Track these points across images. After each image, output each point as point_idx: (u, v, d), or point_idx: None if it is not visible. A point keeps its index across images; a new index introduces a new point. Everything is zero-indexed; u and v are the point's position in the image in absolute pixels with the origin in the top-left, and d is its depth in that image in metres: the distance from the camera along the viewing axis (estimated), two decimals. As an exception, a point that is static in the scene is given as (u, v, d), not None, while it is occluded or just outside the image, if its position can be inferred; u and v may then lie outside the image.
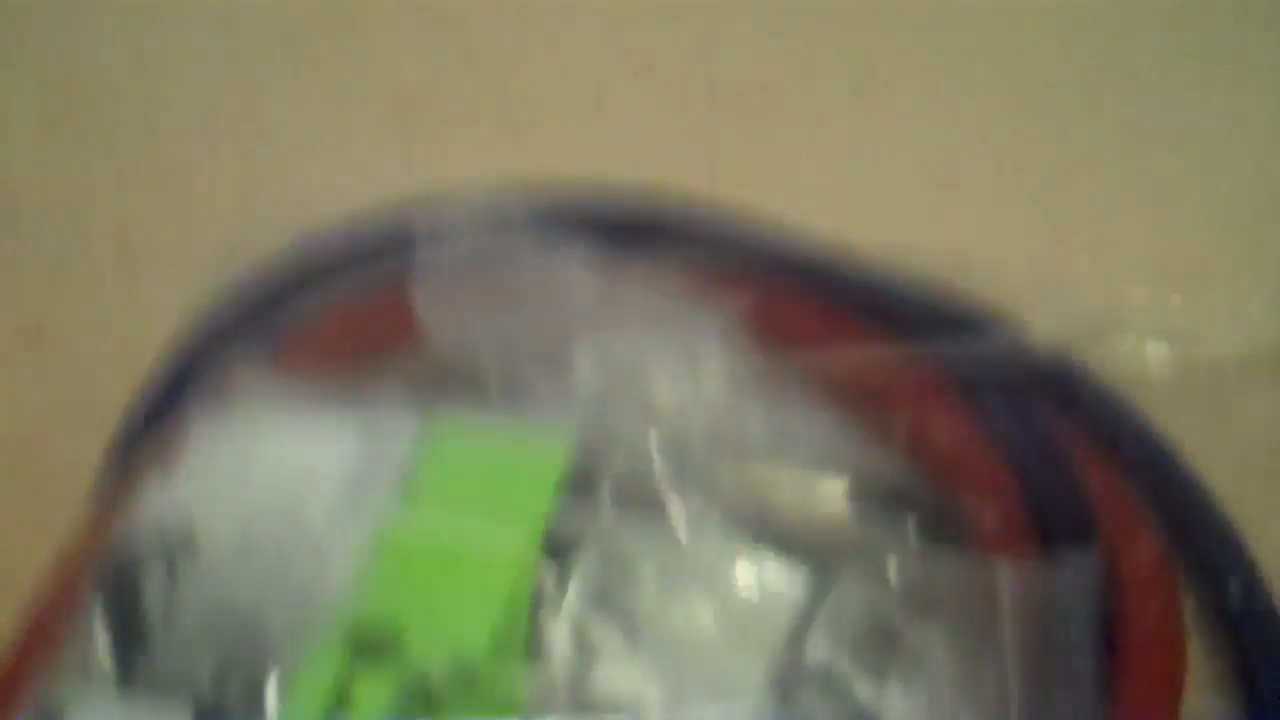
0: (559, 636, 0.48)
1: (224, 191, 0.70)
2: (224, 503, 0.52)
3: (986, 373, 0.57)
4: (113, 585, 0.50)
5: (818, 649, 0.48)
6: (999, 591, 0.49)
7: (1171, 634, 0.51)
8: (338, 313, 0.60)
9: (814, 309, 0.60)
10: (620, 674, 0.47)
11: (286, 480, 0.52)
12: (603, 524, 0.50)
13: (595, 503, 0.52)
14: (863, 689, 0.46)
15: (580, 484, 0.51)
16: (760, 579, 0.49)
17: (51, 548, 0.54)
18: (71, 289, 0.70)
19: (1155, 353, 0.59)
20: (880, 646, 0.48)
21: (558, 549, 0.49)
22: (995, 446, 0.55)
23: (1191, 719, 0.50)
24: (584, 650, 0.47)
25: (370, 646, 0.46)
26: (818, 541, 0.51)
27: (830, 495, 0.54)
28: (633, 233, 0.63)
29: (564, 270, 0.60)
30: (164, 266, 0.70)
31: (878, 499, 0.54)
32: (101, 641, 0.49)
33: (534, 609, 0.48)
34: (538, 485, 0.50)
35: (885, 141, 0.71)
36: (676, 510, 0.51)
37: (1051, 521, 0.53)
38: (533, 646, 0.48)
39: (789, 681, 0.47)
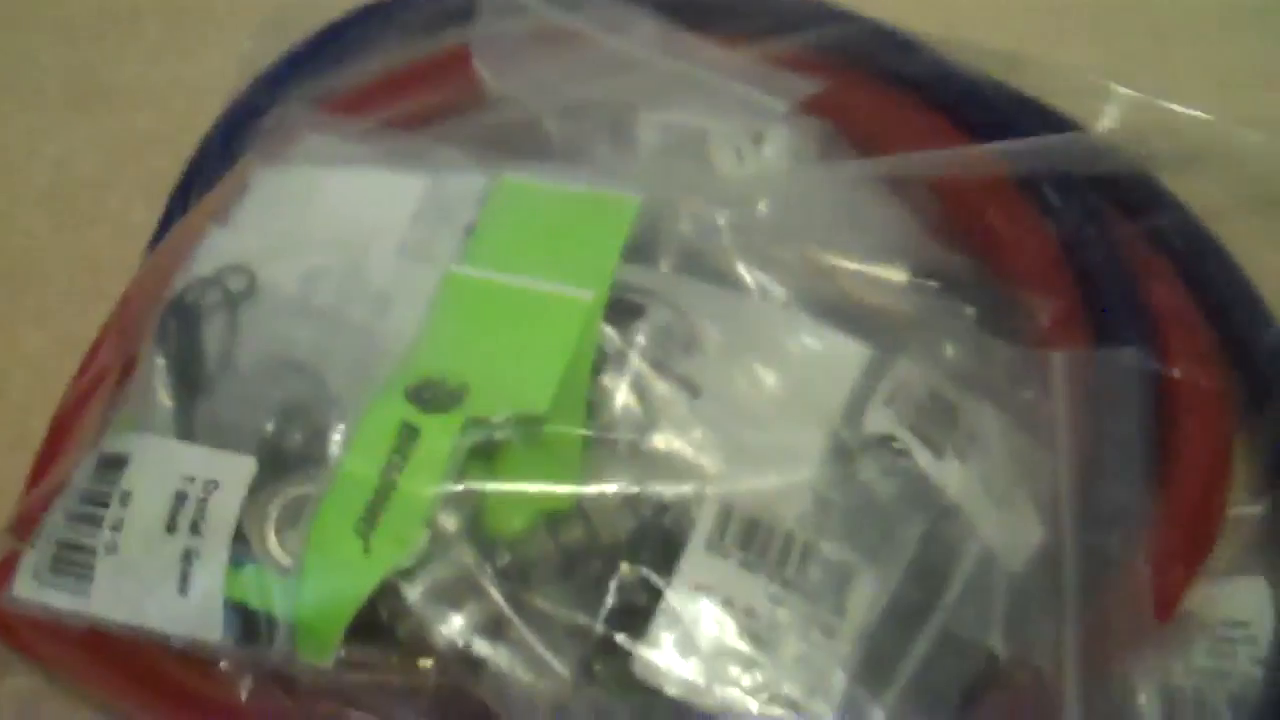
0: (620, 398, 0.47)
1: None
2: (285, 251, 0.51)
3: (1054, 171, 0.56)
4: (174, 331, 0.50)
5: (877, 422, 0.47)
6: (1052, 379, 0.49)
7: (1220, 432, 0.52)
8: (400, 70, 0.59)
9: (885, 98, 0.59)
10: (680, 438, 0.47)
11: (349, 231, 0.52)
12: (668, 290, 0.49)
13: (659, 270, 0.51)
14: (922, 459, 0.46)
15: (644, 251, 0.51)
16: (821, 351, 0.49)
17: (104, 308, 0.54)
18: (121, 50, 0.68)
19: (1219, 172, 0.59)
20: (938, 423, 0.48)
21: (621, 312, 0.49)
22: (1056, 240, 0.55)
23: (1235, 518, 0.50)
24: (644, 413, 0.47)
25: (434, 397, 0.46)
26: (878, 323, 0.51)
27: (892, 282, 0.53)
28: (701, 9, 0.62)
29: (630, 41, 0.58)
30: (215, 27, 0.68)
31: (938, 288, 0.53)
32: (162, 387, 0.49)
33: (596, 369, 0.47)
34: (603, 246, 0.49)
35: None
36: (742, 282, 0.50)
37: (1108, 316, 0.53)
38: (594, 408, 0.47)
39: (847, 451, 0.47)
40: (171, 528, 0.45)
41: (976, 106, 0.59)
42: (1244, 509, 0.50)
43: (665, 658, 0.43)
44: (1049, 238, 0.55)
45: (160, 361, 0.49)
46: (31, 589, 0.45)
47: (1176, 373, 0.51)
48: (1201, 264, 0.56)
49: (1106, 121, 0.60)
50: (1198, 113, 0.58)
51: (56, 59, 0.67)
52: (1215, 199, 0.58)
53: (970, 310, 0.52)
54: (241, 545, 0.45)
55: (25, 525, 0.46)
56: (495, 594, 0.44)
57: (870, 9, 0.62)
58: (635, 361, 0.48)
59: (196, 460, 0.46)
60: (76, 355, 0.53)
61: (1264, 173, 0.58)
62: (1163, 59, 0.67)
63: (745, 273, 0.51)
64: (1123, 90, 0.60)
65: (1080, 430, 0.48)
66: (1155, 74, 0.64)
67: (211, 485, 0.45)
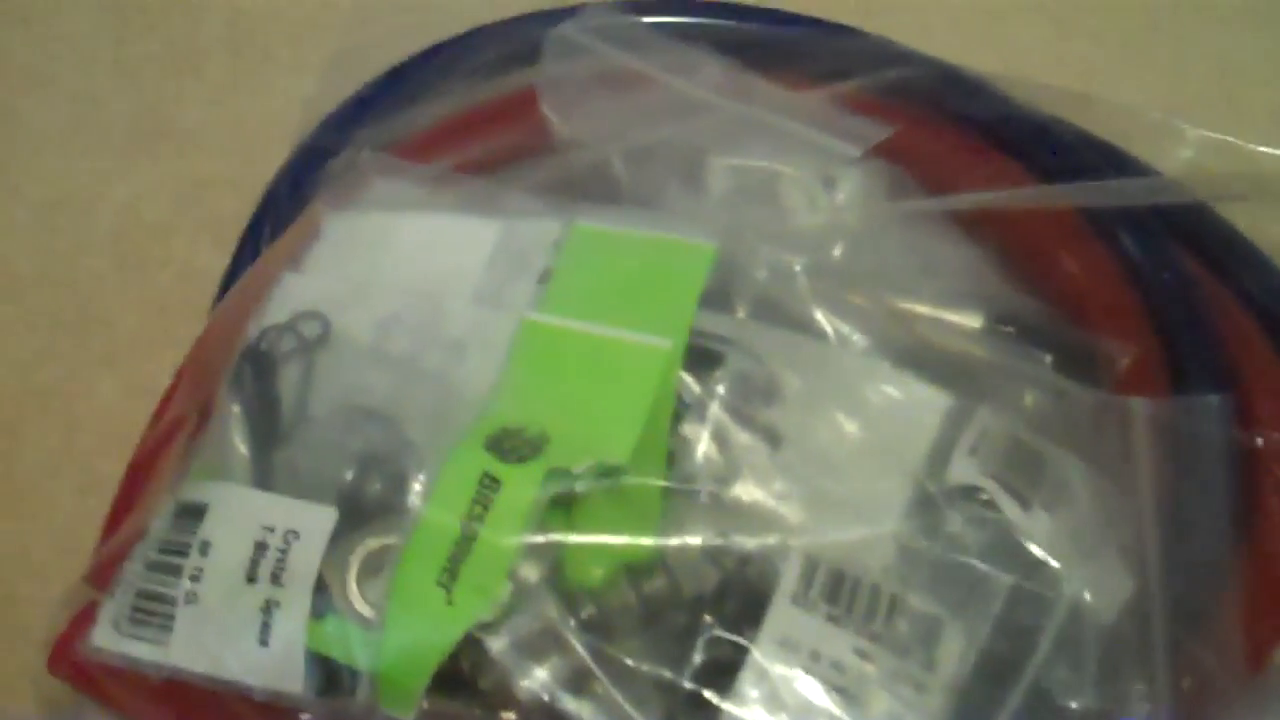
0: (701, 448, 0.47)
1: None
2: (359, 297, 0.51)
3: (1128, 213, 0.55)
4: (249, 378, 0.50)
5: (961, 473, 0.47)
6: (1134, 427, 0.48)
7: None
8: (467, 113, 0.59)
9: (955, 142, 0.59)
10: (762, 489, 0.46)
11: (423, 278, 0.51)
12: (746, 338, 0.49)
13: (736, 317, 0.50)
14: (1008, 510, 0.46)
15: (720, 298, 0.50)
16: (902, 400, 0.48)
17: (171, 352, 0.54)
18: (185, 93, 0.68)
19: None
20: (1024, 473, 0.47)
21: (700, 360, 0.48)
22: (1133, 286, 0.54)
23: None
24: (725, 463, 0.47)
25: (514, 447, 0.46)
26: (955, 370, 0.50)
27: (968, 328, 0.52)
28: (765, 51, 0.61)
29: (696, 83, 0.58)
30: (277, 69, 0.68)
31: (1014, 335, 0.53)
32: (239, 435, 0.49)
33: (676, 419, 0.47)
34: (680, 293, 0.49)
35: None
36: (820, 329, 0.50)
37: (1187, 363, 0.52)
38: (674, 458, 0.47)
39: (932, 502, 0.46)
40: (252, 578, 0.44)
41: (1047, 149, 0.58)
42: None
43: (752, 714, 0.43)
44: (1125, 282, 0.54)
45: (236, 409, 0.49)
46: (111, 639, 0.45)
47: (1261, 430, 0.50)
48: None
49: (1179, 164, 0.59)
50: (1273, 150, 0.57)
51: (121, 102, 0.67)
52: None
53: (1047, 357, 0.51)
54: (323, 596, 0.44)
55: (103, 574, 0.46)
56: (578, 646, 0.43)
57: (933, 47, 0.61)
58: (715, 411, 0.47)
59: (277, 510, 0.46)
60: (144, 400, 0.52)
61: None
62: (1228, 97, 0.66)
63: (822, 319, 0.50)
64: (1194, 131, 0.59)
65: (1165, 479, 0.47)
66: (1222, 112, 0.64)
67: (292, 535, 0.45)
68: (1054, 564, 0.45)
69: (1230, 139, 0.58)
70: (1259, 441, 0.49)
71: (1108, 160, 0.59)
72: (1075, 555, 0.46)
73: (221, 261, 0.58)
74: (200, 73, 0.68)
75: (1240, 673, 0.45)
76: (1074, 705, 0.43)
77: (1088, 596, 0.45)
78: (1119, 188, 0.56)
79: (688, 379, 0.48)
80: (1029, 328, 0.53)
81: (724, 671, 0.43)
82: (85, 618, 0.45)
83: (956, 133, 0.59)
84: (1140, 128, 0.60)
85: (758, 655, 0.43)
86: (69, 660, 0.46)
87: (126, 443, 0.51)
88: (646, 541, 0.45)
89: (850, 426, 0.48)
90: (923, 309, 0.52)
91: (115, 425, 0.54)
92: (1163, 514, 0.47)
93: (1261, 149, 0.58)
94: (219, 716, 0.45)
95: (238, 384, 0.49)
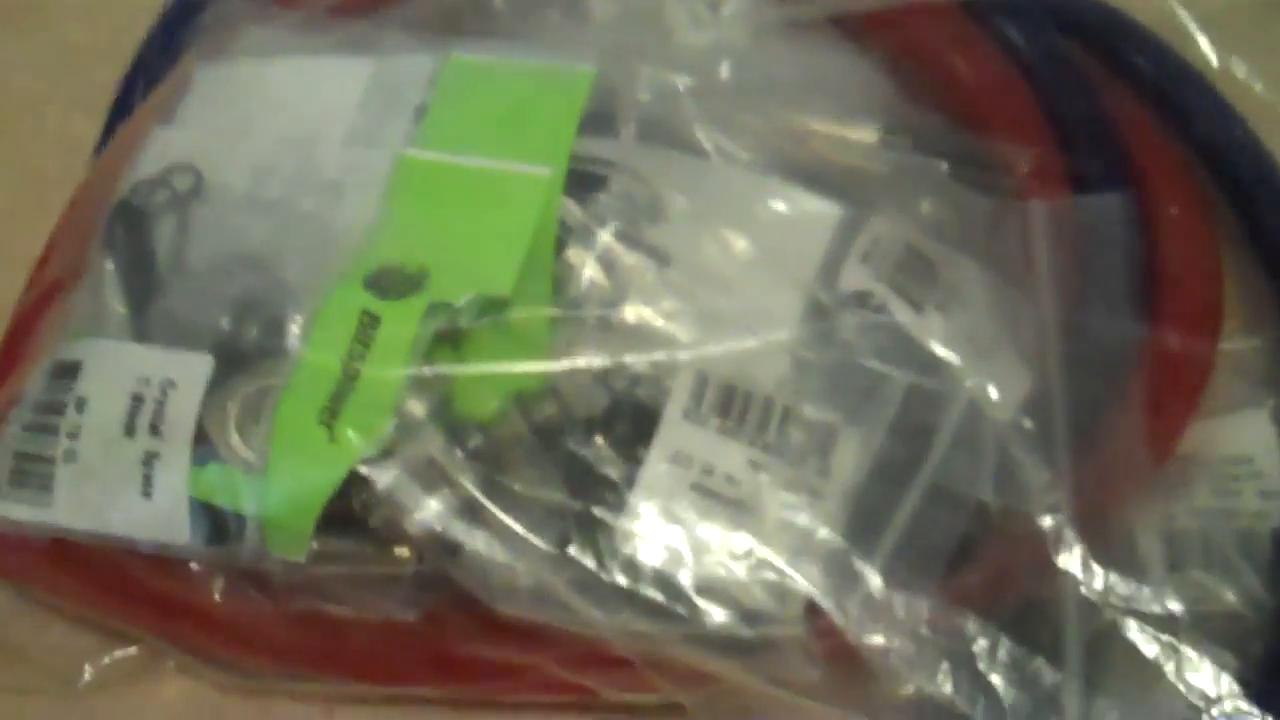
0: (587, 272, 0.46)
1: None
2: (232, 145, 0.50)
3: (1011, 6, 0.54)
4: (121, 235, 0.48)
5: (853, 280, 0.46)
6: (1033, 229, 0.47)
7: (1208, 267, 0.50)
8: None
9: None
10: (651, 309, 0.45)
11: (296, 122, 0.50)
12: (629, 160, 0.48)
13: (619, 141, 0.49)
14: (901, 314, 0.45)
15: (602, 121, 0.49)
16: (792, 213, 0.47)
17: (50, 224, 0.52)
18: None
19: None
20: (917, 278, 0.46)
21: (582, 184, 0.47)
22: (1027, 87, 0.53)
23: (1233, 353, 0.49)
24: (613, 285, 0.46)
25: (393, 284, 0.44)
26: (849, 183, 0.49)
27: (862, 141, 0.51)
28: None
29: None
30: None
31: (909, 145, 0.51)
32: (114, 290, 0.48)
33: (560, 245, 0.46)
34: (559, 120, 0.48)
35: None
36: (705, 147, 0.49)
37: (1085, 161, 0.51)
38: (560, 284, 0.46)
39: (824, 311, 0.45)
40: (131, 431, 0.43)
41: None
42: (1241, 343, 0.48)
43: (646, 529, 0.42)
44: (1020, 85, 0.53)
45: (109, 266, 0.48)
46: (-9, 504, 0.44)
47: (1160, 213, 0.49)
48: (1177, 91, 0.54)
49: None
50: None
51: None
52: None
53: (944, 165, 0.50)
54: (204, 444, 0.43)
55: (-19, 442, 0.45)
56: (467, 477, 0.42)
57: None
58: (600, 234, 0.46)
59: (151, 361, 0.45)
60: (19, 271, 0.51)
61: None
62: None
63: (709, 139, 0.49)
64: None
65: (1064, 278, 0.47)
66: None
67: (168, 385, 0.44)
68: (950, 362, 0.44)
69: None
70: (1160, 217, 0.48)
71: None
72: (971, 354, 0.45)
73: (95, 130, 0.57)
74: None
75: (1146, 463, 0.45)
76: (973, 501, 0.42)
77: (985, 394, 0.44)
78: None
79: (570, 204, 0.46)
80: (924, 137, 0.52)
81: (618, 491, 0.43)
82: (-36, 486, 0.44)
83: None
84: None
85: (650, 471, 0.42)
86: (-50, 529, 0.45)
87: (3, 314, 0.50)
88: (535, 368, 0.44)
89: (739, 242, 0.47)
90: (815, 124, 0.51)
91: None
92: (1064, 311, 0.46)
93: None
94: (107, 573, 0.44)
95: (110, 241, 0.48)
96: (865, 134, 0.52)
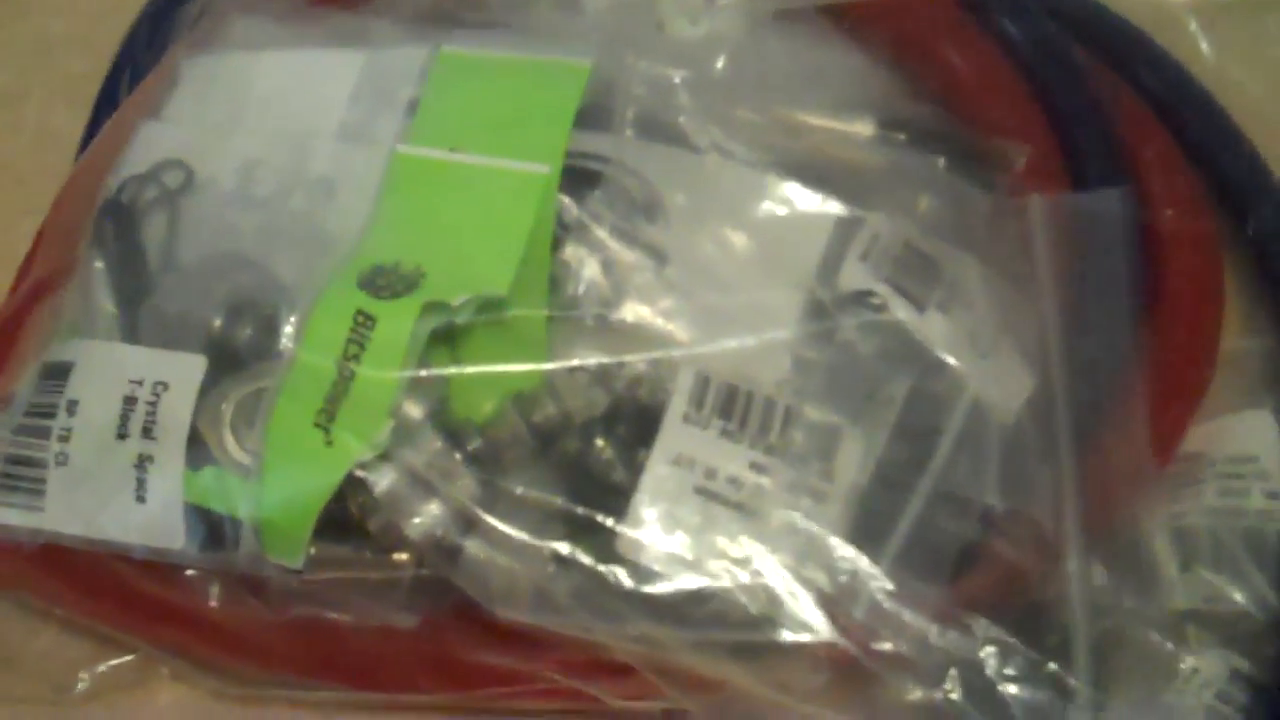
0: (584, 271, 0.45)
1: None
2: (221, 141, 0.49)
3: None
4: (111, 232, 0.48)
5: (853, 278, 0.45)
6: (1032, 225, 0.47)
7: (1209, 268, 0.50)
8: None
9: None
10: (649, 308, 0.45)
11: (286, 116, 0.49)
12: (626, 156, 0.47)
13: (616, 136, 0.48)
14: (902, 313, 0.44)
15: (597, 117, 0.48)
16: (790, 210, 0.47)
17: (31, 220, 0.51)
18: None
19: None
20: (917, 276, 0.46)
21: (578, 181, 0.46)
22: (1025, 81, 0.53)
23: (1235, 353, 0.49)
24: (611, 284, 0.45)
25: (388, 284, 0.44)
26: (847, 179, 0.49)
27: (859, 136, 0.51)
28: None
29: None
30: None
31: (907, 140, 0.51)
32: (102, 291, 0.47)
33: (557, 244, 0.45)
34: (554, 116, 0.47)
35: None
36: (702, 144, 0.48)
37: (1084, 157, 0.51)
38: (557, 283, 0.45)
39: (825, 309, 0.45)
40: (123, 434, 0.43)
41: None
42: (1241, 343, 0.48)
43: (649, 533, 0.41)
44: (1017, 79, 0.53)
45: (98, 264, 0.47)
46: (-20, 508, 0.43)
47: (1161, 215, 0.49)
48: (1175, 96, 0.54)
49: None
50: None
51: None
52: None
53: (941, 161, 0.50)
54: (199, 447, 0.43)
55: (-31, 444, 0.44)
56: (468, 480, 0.42)
57: None
58: (597, 232, 0.46)
59: (143, 362, 0.44)
60: (4, 272, 0.50)
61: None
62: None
63: (705, 134, 0.48)
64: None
65: (1064, 276, 0.46)
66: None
67: (161, 387, 0.43)
68: (952, 364, 0.44)
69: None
70: (1159, 217, 0.48)
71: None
72: (973, 355, 0.45)
73: (78, 124, 0.56)
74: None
75: (1149, 462, 0.44)
76: (979, 503, 0.42)
77: (988, 395, 0.44)
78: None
79: (566, 201, 0.46)
80: (921, 132, 0.51)
81: (619, 495, 0.42)
82: (-48, 489, 0.43)
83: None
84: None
85: (651, 474, 0.42)
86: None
87: (-11, 314, 0.49)
88: (532, 369, 0.44)
89: (737, 239, 0.46)
90: (811, 119, 0.51)
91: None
92: (1064, 309, 0.46)
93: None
94: (100, 579, 0.44)
95: (99, 238, 0.48)
96: (861, 128, 0.51)
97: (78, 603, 0.45)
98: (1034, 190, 0.49)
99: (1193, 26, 0.56)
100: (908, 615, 0.40)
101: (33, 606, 0.46)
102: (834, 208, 0.47)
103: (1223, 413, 0.46)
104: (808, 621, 0.40)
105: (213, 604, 0.44)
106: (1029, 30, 0.52)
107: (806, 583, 0.41)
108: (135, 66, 0.55)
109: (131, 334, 0.46)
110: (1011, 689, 0.40)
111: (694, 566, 0.41)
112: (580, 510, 0.42)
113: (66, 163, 0.55)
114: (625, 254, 0.46)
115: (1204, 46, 0.56)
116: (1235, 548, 0.44)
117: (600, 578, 0.41)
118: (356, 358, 0.42)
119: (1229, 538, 0.44)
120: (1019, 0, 0.53)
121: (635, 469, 0.43)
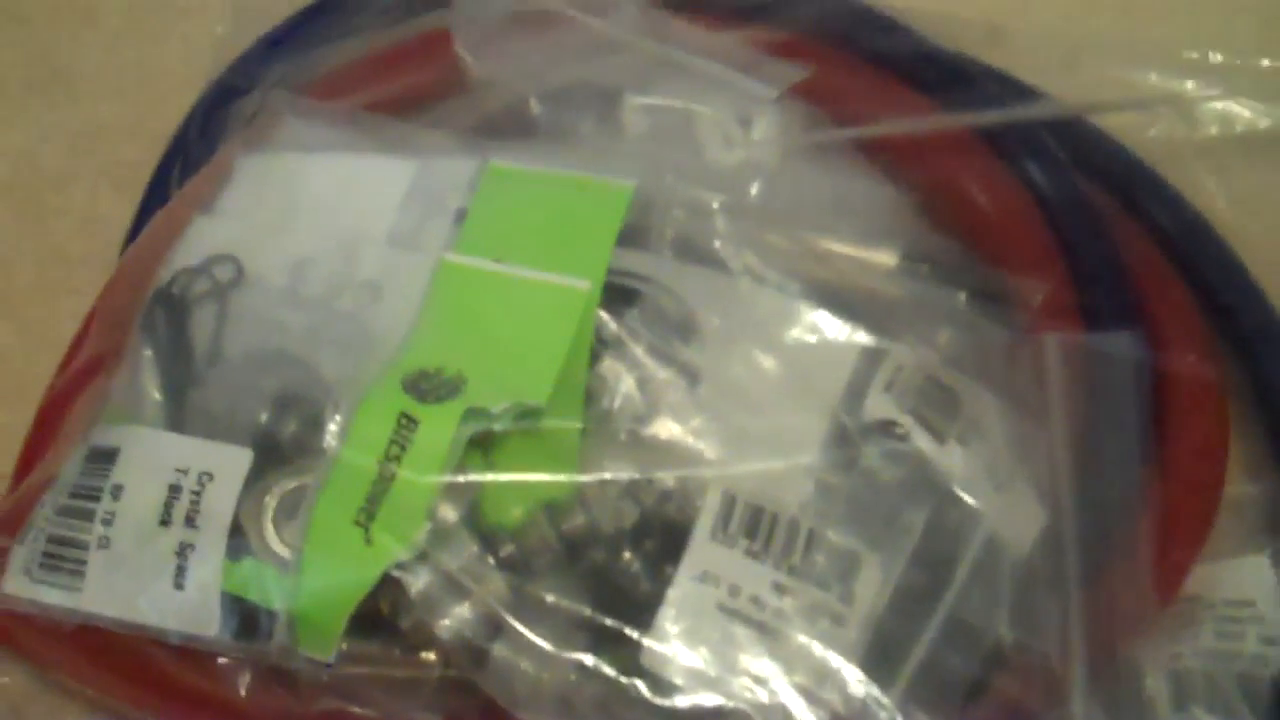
0: (619, 386, 0.47)
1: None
2: (273, 239, 0.50)
3: (1036, 148, 0.56)
4: (161, 321, 0.49)
5: (877, 408, 0.47)
6: (1047, 363, 0.49)
7: (1216, 415, 0.51)
8: (381, 53, 0.58)
9: (869, 81, 0.59)
10: (680, 425, 0.46)
11: (337, 219, 0.51)
12: (664, 276, 0.49)
13: (654, 255, 0.50)
14: (924, 444, 0.46)
15: (637, 236, 0.50)
16: (819, 337, 0.48)
17: (73, 302, 0.53)
18: (79, 38, 0.66)
19: (1190, 124, 0.58)
20: (938, 408, 0.47)
21: (617, 299, 0.48)
22: (1045, 223, 0.55)
23: (1235, 499, 0.50)
24: (644, 400, 0.47)
25: (431, 388, 0.45)
26: (871, 308, 0.50)
27: (883, 266, 0.53)
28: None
29: (612, 24, 0.58)
30: (176, 15, 0.67)
31: (929, 272, 0.53)
32: (151, 379, 0.48)
33: (594, 358, 0.47)
34: (597, 233, 0.49)
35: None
36: (737, 267, 0.50)
37: (1097, 299, 0.53)
38: (592, 396, 0.47)
39: (849, 437, 0.46)
40: (166, 521, 0.44)
41: (959, 85, 0.58)
42: (1243, 489, 0.50)
43: (672, 648, 0.43)
44: (1038, 221, 0.54)
45: (148, 353, 0.48)
46: (22, 585, 0.44)
47: (1171, 360, 0.50)
48: (1188, 242, 0.56)
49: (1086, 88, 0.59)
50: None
51: (12, 49, 0.65)
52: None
53: (961, 294, 0.52)
54: (239, 538, 0.44)
55: (13, 521, 0.46)
56: (498, 585, 0.43)
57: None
58: (633, 349, 0.47)
59: (190, 451, 0.45)
60: (41, 349, 0.52)
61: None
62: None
63: (740, 257, 0.50)
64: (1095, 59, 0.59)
65: (1076, 414, 0.48)
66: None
67: (206, 477, 0.44)
68: (969, 497, 0.45)
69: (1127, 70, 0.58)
70: (1170, 363, 0.49)
71: (1018, 95, 0.59)
72: (990, 488, 0.46)
73: (122, 209, 0.57)
74: (94, 19, 0.66)
75: (1151, 602, 0.46)
76: (991, 634, 0.44)
77: (1002, 529, 0.45)
78: (1022, 110, 0.56)
79: (605, 317, 0.47)
80: (943, 266, 0.53)
81: (644, 607, 0.43)
82: (-4, 565, 0.44)
83: (871, 72, 0.59)
84: (1050, 62, 0.60)
85: (677, 589, 0.43)
86: (-21, 609, 0.45)
87: (22, 394, 0.51)
88: (564, 479, 0.45)
89: (767, 363, 0.48)
90: (838, 247, 0.53)
91: (12, 375, 0.53)
92: (1075, 448, 0.48)
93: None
94: (134, 662, 0.45)
95: (149, 327, 0.49)
96: (886, 258, 0.53)
97: (107, 684, 0.46)
98: (1049, 328, 0.50)
99: (1205, 170, 0.58)
100: (919, 743, 0.42)
101: (60, 684, 0.47)
102: (861, 337, 0.49)
103: (1222, 556, 0.48)
104: (822, 744, 0.42)
105: (242, 692, 0.44)
106: (1053, 177, 0.54)
107: (821, 705, 0.42)
108: (186, 157, 0.57)
109: (176, 423, 0.47)
110: (1017, 819, 0.41)
111: (714, 683, 0.42)
112: (606, 620, 0.43)
113: (112, 247, 0.57)
114: (660, 372, 0.47)
115: (1214, 188, 0.58)
116: (1229, 690, 0.45)
117: (622, 688, 0.43)
118: (398, 459, 0.44)
119: (1224, 680, 0.45)
120: (1046, 148, 0.55)
121: (661, 583, 0.44)
